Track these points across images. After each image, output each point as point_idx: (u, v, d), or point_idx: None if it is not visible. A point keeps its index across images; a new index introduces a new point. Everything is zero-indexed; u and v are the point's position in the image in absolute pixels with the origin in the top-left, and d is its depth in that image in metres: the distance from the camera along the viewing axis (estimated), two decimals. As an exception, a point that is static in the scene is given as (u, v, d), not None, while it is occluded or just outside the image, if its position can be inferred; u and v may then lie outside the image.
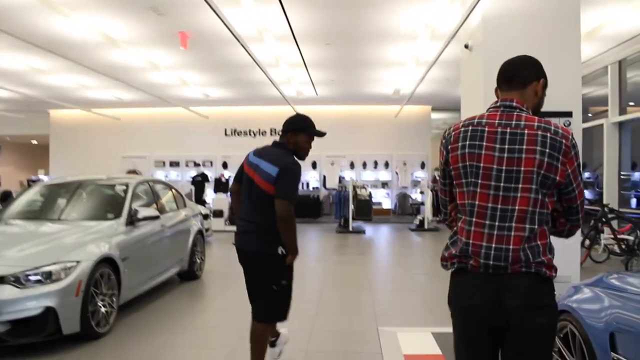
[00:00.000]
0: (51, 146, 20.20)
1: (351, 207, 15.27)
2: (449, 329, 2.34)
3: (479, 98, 7.01)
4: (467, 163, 2.21)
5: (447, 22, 9.18)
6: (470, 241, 2.17)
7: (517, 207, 2.12)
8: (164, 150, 19.50)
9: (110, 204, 6.26)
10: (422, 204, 16.93)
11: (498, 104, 2.36)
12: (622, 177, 11.83)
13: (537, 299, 2.12)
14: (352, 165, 19.36)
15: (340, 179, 17.58)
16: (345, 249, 12.20)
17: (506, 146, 2.17)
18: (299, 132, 3.66)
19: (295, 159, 3.66)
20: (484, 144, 2.20)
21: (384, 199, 19.39)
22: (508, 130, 2.20)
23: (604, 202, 10.46)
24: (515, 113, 2.27)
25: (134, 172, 18.68)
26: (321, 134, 3.72)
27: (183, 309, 6.34)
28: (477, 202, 2.18)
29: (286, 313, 3.78)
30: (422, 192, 17.56)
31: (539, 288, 2.13)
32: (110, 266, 5.17)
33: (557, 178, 2.14)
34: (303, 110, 17.90)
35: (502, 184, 2.15)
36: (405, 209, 19.12)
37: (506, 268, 2.11)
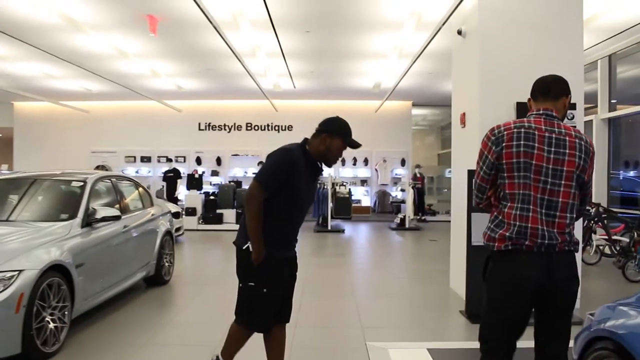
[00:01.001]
0: (15, 140, 19.24)
1: (330, 205, 14.68)
2: (446, 344, 2.52)
3: (473, 87, 6.49)
4: (522, 159, 2.71)
5: (435, 8, 8.62)
6: (529, 225, 2.68)
7: (560, 200, 2.69)
8: (135, 145, 18.71)
9: (64, 202, 5.52)
10: (403, 202, 16.43)
11: (541, 112, 2.82)
12: (611, 175, 11.47)
13: (574, 271, 2.76)
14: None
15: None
16: (325, 250, 11.58)
17: (553, 149, 2.70)
18: (337, 136, 3.30)
19: (288, 147, 3.30)
20: (536, 145, 2.70)
21: (363, 197, 18.87)
22: (554, 135, 2.73)
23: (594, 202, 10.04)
24: (555, 121, 2.79)
25: (102, 167, 17.86)
26: (357, 145, 3.36)
27: (147, 321, 5.65)
28: (531, 193, 2.70)
29: (256, 324, 3.39)
30: (403, 190, 17.04)
31: (574, 263, 2.76)
32: (62, 274, 4.48)
33: (585, 177, 2.77)
34: (280, 104, 17.38)
35: (549, 179, 2.69)
36: (385, 207, 18.62)
37: (555, 247, 2.66)
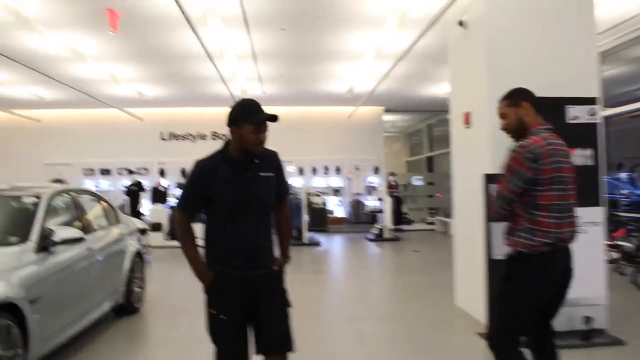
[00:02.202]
0: (-40, 152, 17.82)
1: (305, 216, 13.90)
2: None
3: (478, 83, 5.84)
4: (556, 174, 3.02)
5: (422, 3, 8.00)
6: (563, 230, 3.05)
7: (571, 201, 3.11)
8: (94, 156, 17.56)
9: (14, 222, 4.58)
10: (380, 211, 15.76)
11: (549, 127, 3.22)
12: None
13: None
14: (300, 171, 18.03)
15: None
16: (303, 266, 10.67)
17: (567, 159, 3.11)
18: (240, 123, 2.91)
19: (200, 158, 3.04)
20: (562, 159, 3.07)
21: (336, 207, 18.12)
22: (564, 147, 3.14)
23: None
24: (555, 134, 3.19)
25: (58, 181, 16.64)
26: (270, 118, 2.93)
27: None
28: (561, 202, 3.04)
29: (226, 356, 2.98)
30: (380, 199, 16.35)
31: None
32: (11, 314, 3.59)
33: None
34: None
35: (568, 186, 3.09)
36: (359, 217, 17.94)
37: (573, 242, 3.17)
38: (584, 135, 5.23)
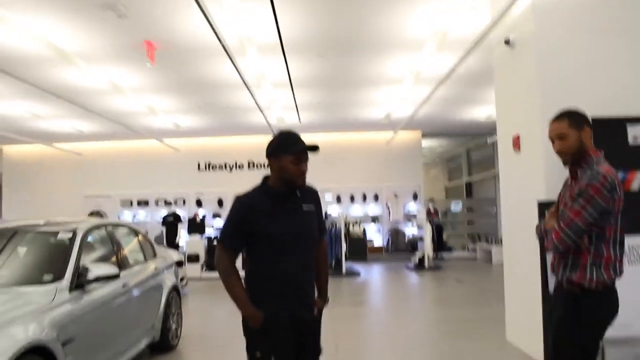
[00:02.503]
0: (4, 186, 18.17)
1: (344, 246, 13.58)
2: None
3: (529, 104, 5.54)
4: (622, 205, 2.95)
5: (463, 24, 7.76)
6: (622, 264, 2.99)
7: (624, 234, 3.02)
8: (131, 188, 17.61)
9: (49, 259, 4.42)
10: (421, 239, 15.34)
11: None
12: None
13: None
14: (338, 199, 17.77)
15: (326, 215, 15.89)
16: (340, 297, 10.26)
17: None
18: (280, 154, 2.86)
19: (240, 194, 2.95)
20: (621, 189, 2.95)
21: (374, 235, 17.75)
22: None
23: None
24: None
25: (97, 213, 16.81)
26: (311, 149, 2.89)
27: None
28: (622, 235, 2.98)
29: None
30: (419, 227, 15.93)
31: None
32: (43, 357, 3.40)
33: None
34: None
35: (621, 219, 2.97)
36: (398, 246, 17.50)
37: None
38: (648, 157, 4.86)
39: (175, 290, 6.24)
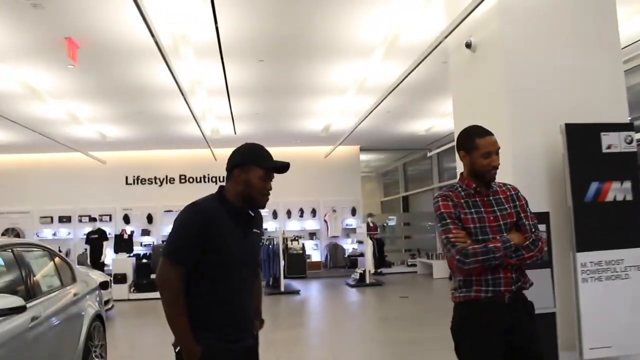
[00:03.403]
0: None
1: (282, 263, 12.94)
2: None
3: (489, 112, 5.15)
4: None
5: (418, 29, 7.40)
6: None
7: None
8: (52, 203, 16.36)
9: None
10: (362, 255, 14.89)
11: None
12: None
13: None
14: (274, 215, 17.14)
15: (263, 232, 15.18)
16: (279, 318, 9.61)
17: None
18: (249, 165, 2.55)
19: (197, 201, 2.54)
20: None
21: (312, 251, 17.19)
22: None
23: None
24: None
25: (13, 231, 15.46)
26: (282, 166, 2.63)
27: None
28: None
29: None
30: (360, 242, 15.46)
31: None
32: None
33: None
34: (219, 153, 15.60)
35: None
36: (337, 261, 17.03)
37: None
38: (621, 165, 4.53)
39: (98, 318, 5.41)
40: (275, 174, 2.60)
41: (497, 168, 2.89)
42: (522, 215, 2.87)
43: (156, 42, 6.46)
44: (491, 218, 2.82)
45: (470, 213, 2.82)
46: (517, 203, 2.91)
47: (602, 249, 4.37)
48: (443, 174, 18.34)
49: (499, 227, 2.80)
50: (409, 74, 7.61)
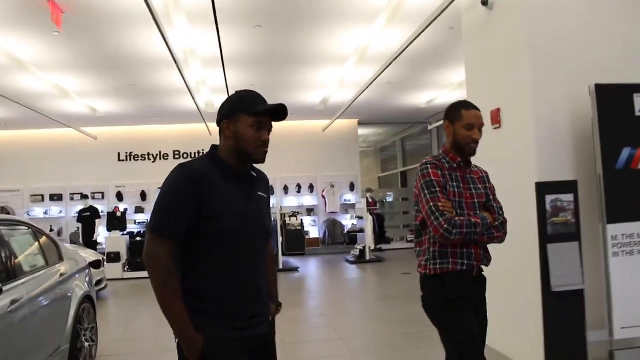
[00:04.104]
0: None
1: (280, 239, 12.61)
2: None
3: (507, 72, 4.74)
4: None
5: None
6: None
7: None
8: (43, 181, 15.91)
9: None
10: (362, 231, 14.57)
11: None
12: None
13: None
14: (272, 190, 16.74)
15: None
16: (281, 298, 9.31)
17: None
18: (237, 114, 2.15)
19: (185, 162, 2.11)
20: None
21: (310, 227, 16.86)
22: None
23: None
24: None
25: (3, 210, 15.02)
26: (275, 110, 2.19)
27: None
28: None
29: None
30: (360, 217, 15.12)
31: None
32: None
33: None
34: (213, 128, 15.10)
35: None
36: (335, 238, 16.72)
37: None
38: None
39: (88, 299, 5.05)
40: (273, 123, 2.22)
41: (477, 143, 2.87)
42: (491, 197, 2.97)
43: (148, 6, 6.01)
44: (468, 195, 2.88)
45: (452, 186, 2.85)
46: (487, 185, 3.00)
47: (634, 220, 4.04)
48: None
49: (474, 204, 2.88)
50: (416, 38, 7.16)
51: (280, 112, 2.18)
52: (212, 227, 2.03)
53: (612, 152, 4.05)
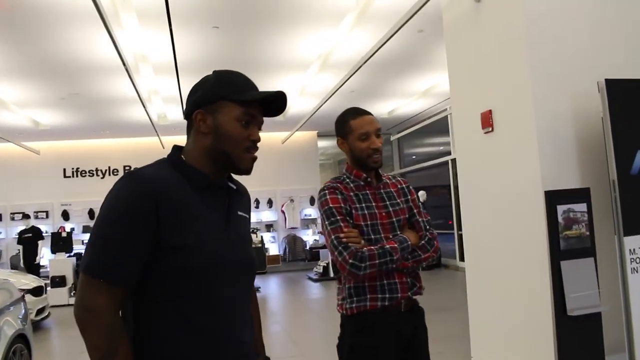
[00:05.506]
0: None
1: (240, 258, 11.91)
2: None
3: (500, 71, 4.30)
4: None
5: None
6: None
7: None
8: (-21, 200, 14.72)
9: None
10: (323, 246, 14.02)
11: None
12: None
13: None
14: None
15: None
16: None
17: None
18: (218, 101, 1.51)
19: (135, 171, 1.45)
20: None
21: (270, 244, 16.18)
22: None
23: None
24: None
25: None
26: (271, 97, 1.56)
27: None
28: None
29: None
30: (321, 233, 14.55)
31: None
32: None
33: None
34: (166, 141, 14.37)
35: None
36: (296, 254, 16.07)
37: None
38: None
39: (21, 339, 4.30)
40: (264, 117, 1.62)
41: (379, 151, 2.48)
42: (414, 211, 2.55)
43: (95, 4, 5.33)
44: (383, 214, 2.46)
45: (361, 208, 2.43)
46: (409, 197, 2.58)
47: (652, 232, 3.58)
48: (404, 159, 17.67)
49: (392, 224, 2.46)
50: (387, 40, 6.64)
51: (277, 102, 1.61)
52: (178, 263, 1.42)
53: (626, 155, 3.59)
